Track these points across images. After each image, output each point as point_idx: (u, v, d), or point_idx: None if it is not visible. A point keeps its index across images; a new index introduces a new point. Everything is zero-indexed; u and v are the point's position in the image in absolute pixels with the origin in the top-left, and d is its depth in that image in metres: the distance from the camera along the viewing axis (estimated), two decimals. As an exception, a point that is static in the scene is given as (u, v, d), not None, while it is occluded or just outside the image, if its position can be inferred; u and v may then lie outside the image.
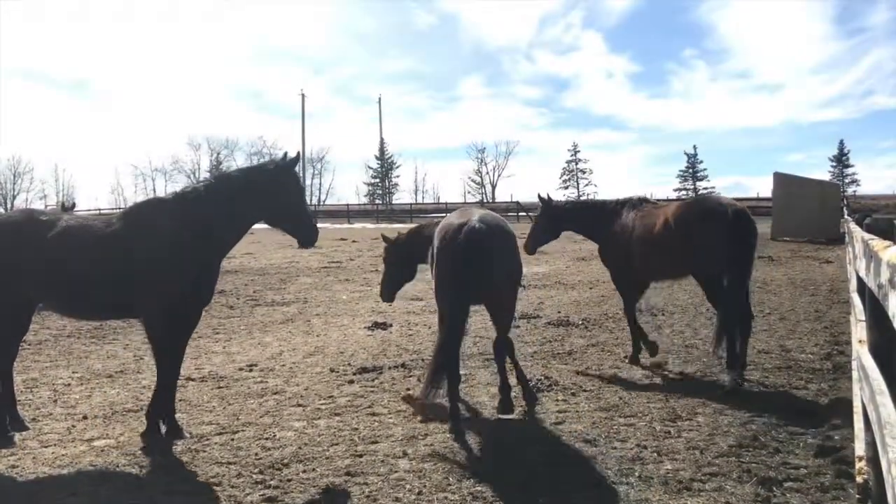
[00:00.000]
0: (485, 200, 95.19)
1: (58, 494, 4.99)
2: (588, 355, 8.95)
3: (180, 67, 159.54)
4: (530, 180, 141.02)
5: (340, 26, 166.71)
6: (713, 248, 7.56)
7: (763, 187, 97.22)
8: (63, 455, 5.79)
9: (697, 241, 7.70)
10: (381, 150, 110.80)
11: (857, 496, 4.02)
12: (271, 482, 5.16)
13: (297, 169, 6.47)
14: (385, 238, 8.37)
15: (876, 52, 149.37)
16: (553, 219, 9.53)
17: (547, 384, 7.53)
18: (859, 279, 5.07)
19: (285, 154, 6.37)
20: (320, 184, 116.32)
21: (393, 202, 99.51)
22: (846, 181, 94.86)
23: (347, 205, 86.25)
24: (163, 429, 6.20)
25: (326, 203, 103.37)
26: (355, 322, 11.94)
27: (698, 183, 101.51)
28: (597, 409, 6.69)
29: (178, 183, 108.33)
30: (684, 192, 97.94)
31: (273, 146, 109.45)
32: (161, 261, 6.02)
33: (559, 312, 12.09)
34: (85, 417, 6.76)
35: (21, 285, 6.15)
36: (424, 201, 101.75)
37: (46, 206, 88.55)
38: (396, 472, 5.28)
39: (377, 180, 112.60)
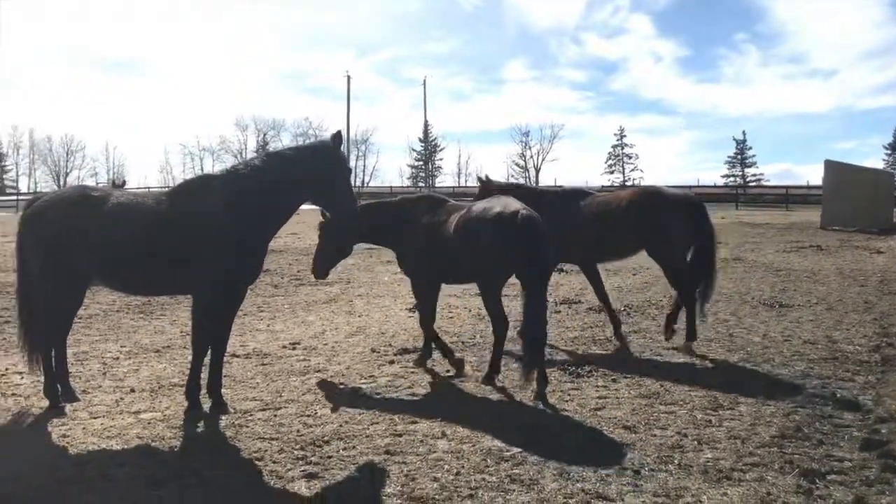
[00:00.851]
0: (528, 184, 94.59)
1: (106, 464, 5.14)
2: (629, 342, 8.89)
3: (228, 48, 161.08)
4: (575, 164, 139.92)
5: (385, 8, 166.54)
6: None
7: (813, 175, 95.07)
8: (111, 426, 5.95)
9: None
10: (425, 132, 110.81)
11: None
12: (312, 458, 5.24)
13: (342, 149, 6.47)
14: (324, 215, 7.84)
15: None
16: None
17: (587, 370, 7.51)
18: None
19: (337, 133, 6.37)
20: (364, 166, 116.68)
21: (436, 185, 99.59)
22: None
23: (391, 187, 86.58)
24: (207, 404, 6.33)
25: (370, 185, 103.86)
26: (397, 303, 12.02)
27: (746, 170, 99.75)
28: (637, 396, 6.66)
29: (226, 162, 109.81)
30: (731, 179, 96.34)
31: (318, 127, 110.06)
32: (210, 238, 6.08)
33: (601, 298, 12.01)
34: (132, 390, 6.93)
35: (74, 261, 6.24)
36: (467, 184, 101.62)
37: (98, 184, 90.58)
38: (435, 452, 5.33)
39: (420, 163, 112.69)
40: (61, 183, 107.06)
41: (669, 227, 8.51)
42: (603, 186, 76.28)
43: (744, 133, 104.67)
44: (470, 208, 7.21)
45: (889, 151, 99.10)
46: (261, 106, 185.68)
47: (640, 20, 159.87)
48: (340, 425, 5.91)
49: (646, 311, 10.97)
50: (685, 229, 8.57)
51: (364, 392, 6.91)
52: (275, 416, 6.18)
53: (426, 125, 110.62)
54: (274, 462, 5.20)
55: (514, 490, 4.69)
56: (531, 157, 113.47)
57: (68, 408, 6.38)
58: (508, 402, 6.58)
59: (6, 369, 7.69)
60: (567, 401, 6.56)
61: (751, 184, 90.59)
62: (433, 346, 7.80)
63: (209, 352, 6.41)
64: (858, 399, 6.48)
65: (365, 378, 7.39)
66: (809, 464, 5.01)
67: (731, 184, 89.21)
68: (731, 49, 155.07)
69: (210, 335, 6.35)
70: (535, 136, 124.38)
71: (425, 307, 7.72)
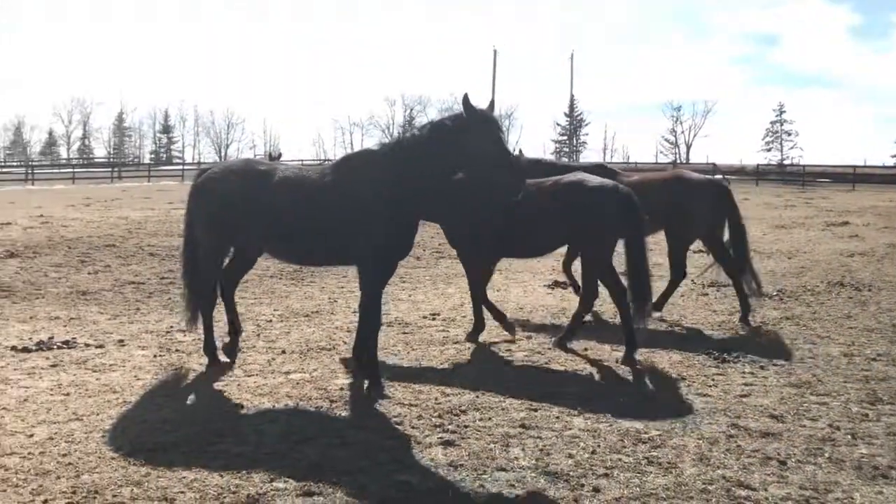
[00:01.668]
0: (678, 161, 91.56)
1: (257, 420, 5.47)
2: (781, 328, 8.48)
3: (378, 24, 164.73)
4: (728, 141, 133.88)
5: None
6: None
7: None
8: (263, 385, 6.31)
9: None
10: (571, 106, 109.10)
11: None
12: (449, 427, 5.36)
13: (496, 118, 6.15)
14: None
15: None
16: None
17: (734, 356, 7.23)
18: None
19: (491, 103, 6.18)
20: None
21: (580, 161, 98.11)
22: None
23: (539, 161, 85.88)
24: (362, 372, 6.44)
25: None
26: (535, 279, 11.99)
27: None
28: (786, 385, 6.35)
29: (373, 137, 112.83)
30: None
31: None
32: (371, 211, 6.09)
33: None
34: (283, 352, 7.31)
35: (238, 230, 6.57)
36: (613, 160, 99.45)
37: (256, 156, 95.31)
38: (571, 429, 5.31)
39: (565, 138, 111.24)
40: (222, 154, 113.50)
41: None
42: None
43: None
44: (565, 180, 7.48)
45: None
46: (408, 82, 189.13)
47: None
48: (477, 396, 6.00)
49: (800, 296, 10.40)
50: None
51: (501, 365, 6.96)
52: (414, 383, 6.35)
53: (572, 99, 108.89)
54: (413, 427, 5.35)
55: (650, 472, 4.61)
56: (682, 132, 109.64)
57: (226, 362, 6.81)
58: (646, 384, 6.44)
59: (170, 327, 8.29)
60: (710, 386, 6.35)
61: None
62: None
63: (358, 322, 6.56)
64: None
65: (503, 352, 7.45)
66: (980, 468, 4.63)
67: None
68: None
69: (380, 305, 6.45)
70: (686, 112, 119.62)
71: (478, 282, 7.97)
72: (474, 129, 5.92)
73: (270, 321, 8.64)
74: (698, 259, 13.11)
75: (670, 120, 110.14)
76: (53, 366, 6.73)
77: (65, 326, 8.28)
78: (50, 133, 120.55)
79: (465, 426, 5.38)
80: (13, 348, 7.24)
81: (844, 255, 14.45)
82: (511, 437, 5.16)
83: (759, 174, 55.17)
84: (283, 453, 4.85)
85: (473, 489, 4.41)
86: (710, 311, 9.37)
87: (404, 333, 8.11)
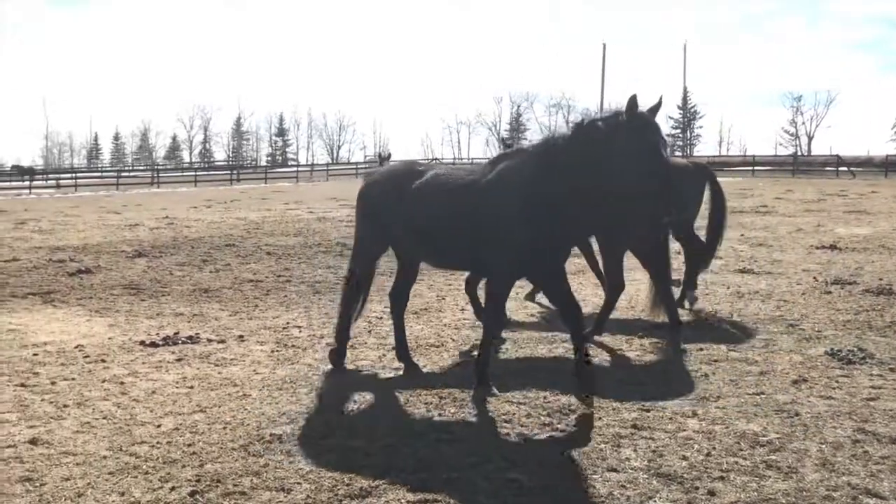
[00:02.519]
0: (799, 153, 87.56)
1: (369, 415, 5.60)
2: (910, 329, 7.98)
3: (486, 21, 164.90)
4: (854, 132, 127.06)
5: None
6: None
7: None
8: (374, 380, 6.46)
9: None
10: (684, 99, 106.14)
11: None
12: (558, 426, 5.32)
13: (655, 123, 5.40)
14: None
15: None
16: None
17: (860, 356, 6.85)
18: None
19: (632, 98, 5.31)
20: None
21: (694, 154, 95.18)
22: None
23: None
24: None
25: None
26: (647, 276, 11.72)
27: None
28: (919, 389, 5.98)
29: (480, 135, 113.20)
30: None
31: (571, 98, 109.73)
32: (515, 217, 5.66)
33: (881, 280, 10.86)
34: (393, 348, 7.43)
35: (394, 233, 6.48)
36: (729, 153, 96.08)
37: (365, 157, 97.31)
38: (685, 430, 5.18)
39: (678, 131, 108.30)
40: (335, 156, 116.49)
41: None
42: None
43: None
44: None
45: None
46: (516, 79, 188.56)
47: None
48: (587, 395, 5.92)
49: (934, 295, 9.76)
50: None
51: (612, 364, 6.86)
52: (523, 382, 6.33)
53: (685, 92, 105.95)
54: (521, 425, 5.34)
55: (769, 476, 4.44)
56: (803, 123, 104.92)
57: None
58: (764, 385, 6.20)
59: (287, 323, 8.59)
60: (834, 388, 6.05)
61: None
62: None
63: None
64: None
65: (614, 351, 7.33)
66: None
67: None
68: None
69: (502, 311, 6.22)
70: (807, 102, 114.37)
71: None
72: (628, 134, 5.25)
73: (380, 318, 8.80)
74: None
75: (790, 111, 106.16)
76: (179, 360, 7.09)
77: (189, 322, 8.71)
78: (174, 138, 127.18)
79: (575, 425, 5.33)
80: (142, 343, 7.67)
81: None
82: (622, 437, 5.08)
83: (888, 165, 52.04)
84: (394, 448, 4.94)
85: (584, 489, 4.36)
86: (834, 309, 8.92)
87: (511, 332, 8.10)
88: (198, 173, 69.15)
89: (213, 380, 6.48)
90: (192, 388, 6.27)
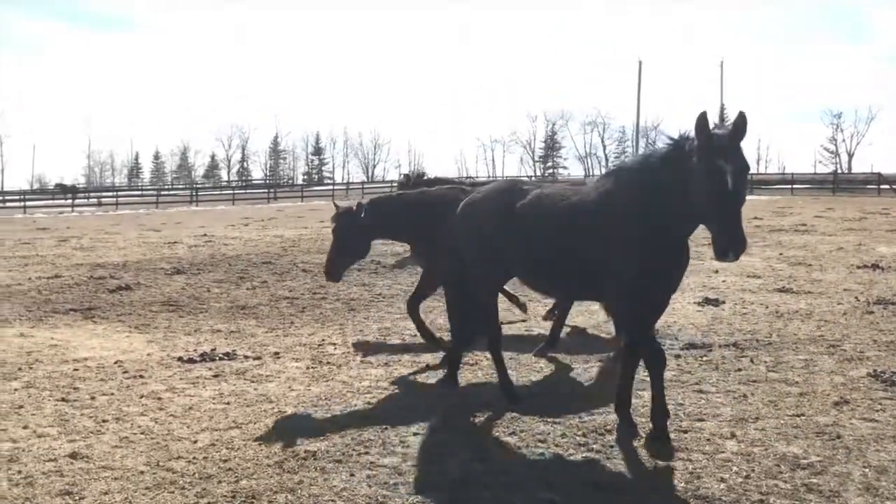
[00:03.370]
0: (839, 171, 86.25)
1: (403, 432, 5.59)
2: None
3: (519, 39, 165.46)
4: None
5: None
6: None
7: None
8: (408, 397, 6.46)
9: None
10: (721, 115, 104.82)
11: None
12: (594, 446, 5.27)
13: (733, 147, 4.67)
14: (338, 205, 8.14)
15: None
16: None
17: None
18: None
19: (741, 115, 4.68)
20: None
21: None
22: None
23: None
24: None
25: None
26: (684, 296, 11.59)
27: None
28: (967, 412, 5.82)
29: (514, 153, 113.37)
30: None
31: (606, 116, 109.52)
32: (621, 238, 5.24)
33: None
34: (428, 366, 7.43)
35: (498, 252, 6.06)
36: (767, 171, 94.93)
37: (400, 175, 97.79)
38: (723, 452, 5.09)
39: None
40: (370, 174, 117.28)
41: None
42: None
43: None
44: None
45: None
46: (551, 97, 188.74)
47: None
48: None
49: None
50: None
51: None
52: (557, 401, 6.29)
53: (722, 109, 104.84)
54: (556, 445, 5.30)
55: (810, 500, 4.34)
56: (843, 141, 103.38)
57: (373, 375, 6.99)
58: (804, 407, 6.07)
59: (322, 340, 8.63)
60: (878, 410, 5.91)
61: None
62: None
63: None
64: None
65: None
66: None
67: None
68: None
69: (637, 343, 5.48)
70: (847, 118, 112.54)
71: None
72: (696, 160, 4.70)
73: (415, 336, 8.80)
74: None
75: (830, 128, 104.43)
76: (215, 376, 7.16)
77: (226, 339, 8.80)
78: (212, 157, 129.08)
79: (611, 446, 5.27)
80: (180, 359, 7.76)
81: None
82: (659, 458, 5.01)
83: (931, 184, 50.99)
84: (427, 467, 4.93)
85: (619, 510, 4.31)
86: (877, 330, 8.74)
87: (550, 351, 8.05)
88: (235, 192, 70.09)
89: (249, 396, 6.53)
90: (228, 404, 6.33)
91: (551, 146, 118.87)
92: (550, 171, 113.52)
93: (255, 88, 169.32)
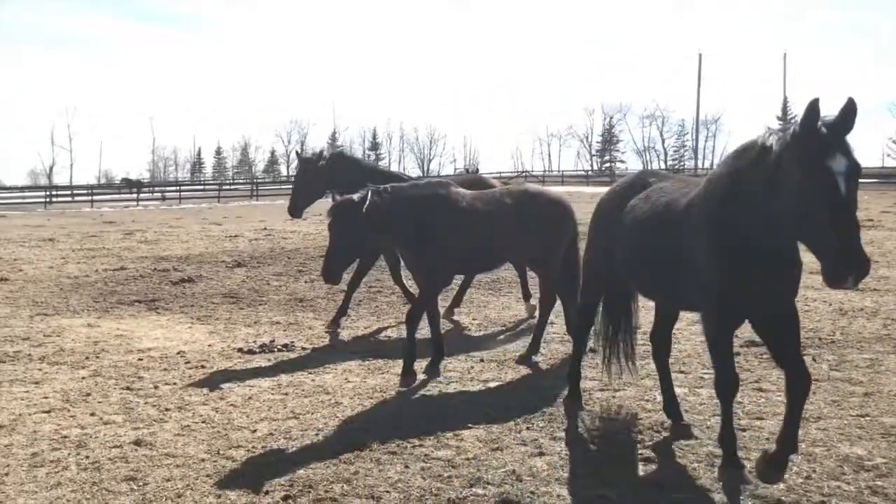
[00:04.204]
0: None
1: (457, 425, 5.60)
2: None
3: (576, 32, 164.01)
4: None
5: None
6: None
7: None
8: (462, 392, 6.49)
9: None
10: (784, 110, 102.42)
11: None
12: (649, 443, 5.22)
13: (843, 146, 3.79)
14: (342, 200, 6.73)
15: None
16: None
17: (976, 379, 6.46)
18: None
19: (851, 102, 3.85)
20: (714, 147, 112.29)
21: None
22: None
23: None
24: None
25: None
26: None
27: None
28: None
29: (571, 147, 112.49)
30: None
31: (665, 109, 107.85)
32: (711, 253, 4.44)
33: None
34: (482, 360, 7.44)
35: (611, 251, 5.51)
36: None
37: (455, 170, 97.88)
38: (782, 451, 4.98)
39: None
40: (425, 169, 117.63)
41: None
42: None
43: None
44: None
45: None
46: (608, 90, 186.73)
47: None
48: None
49: None
50: None
51: (706, 381, 6.67)
52: (613, 397, 6.24)
53: (785, 102, 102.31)
54: (612, 442, 5.26)
55: (874, 503, 4.23)
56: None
57: (446, 374, 7.02)
58: (868, 407, 5.91)
59: (378, 333, 8.74)
60: (947, 412, 5.72)
61: None
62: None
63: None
64: None
65: (706, 367, 7.12)
66: None
67: None
68: None
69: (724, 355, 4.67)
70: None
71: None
72: (797, 158, 3.79)
73: (468, 330, 8.83)
74: None
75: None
76: (274, 367, 7.30)
77: (284, 331, 8.96)
78: (272, 152, 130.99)
79: (668, 443, 5.21)
80: (240, 350, 7.94)
81: None
82: (716, 457, 4.92)
83: None
84: (481, 460, 4.94)
85: (675, 508, 4.26)
86: (948, 329, 8.44)
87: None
88: (294, 186, 70.71)
89: (306, 387, 6.64)
90: (286, 394, 6.44)
91: (609, 140, 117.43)
92: (608, 164, 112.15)
93: (314, 84, 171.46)
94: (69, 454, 5.11)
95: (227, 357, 7.73)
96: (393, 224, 6.72)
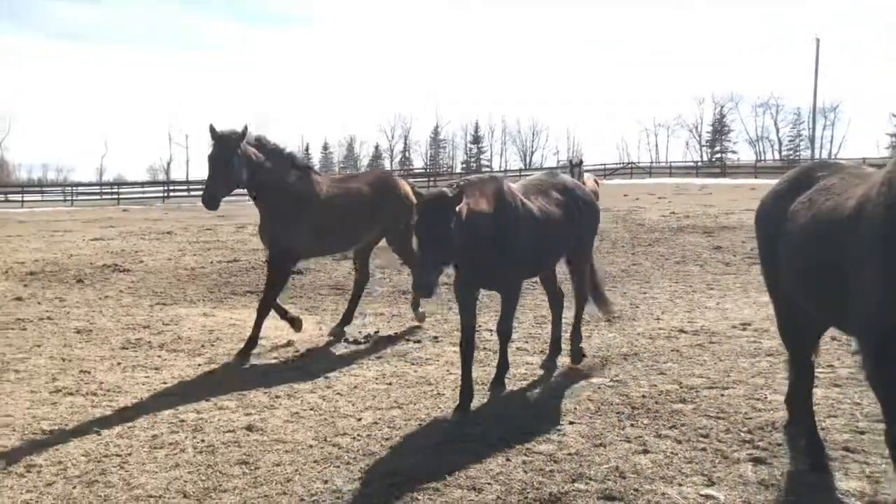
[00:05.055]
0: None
1: (559, 420, 5.59)
2: None
3: (683, 19, 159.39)
4: None
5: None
6: None
7: None
8: (565, 387, 6.45)
9: None
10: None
11: None
12: (759, 443, 5.05)
13: None
14: (437, 192, 5.53)
15: None
16: None
17: None
18: None
19: None
20: (832, 136, 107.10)
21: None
22: None
23: (864, 158, 77.54)
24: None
25: (838, 157, 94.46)
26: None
27: None
28: None
29: (679, 138, 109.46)
30: None
31: (780, 98, 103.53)
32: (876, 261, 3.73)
33: None
34: (584, 356, 7.35)
35: (776, 249, 4.77)
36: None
37: (558, 162, 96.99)
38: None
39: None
40: (527, 162, 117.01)
41: None
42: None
43: None
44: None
45: None
46: (718, 78, 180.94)
47: None
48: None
49: None
50: None
51: (822, 381, 6.40)
52: (722, 395, 6.07)
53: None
54: (719, 441, 5.12)
55: None
56: None
57: (528, 362, 7.01)
58: None
59: (479, 326, 8.72)
60: None
61: None
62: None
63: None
64: None
65: (823, 367, 6.83)
66: None
67: None
68: None
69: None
70: None
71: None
72: None
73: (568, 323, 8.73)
74: None
75: None
76: (378, 357, 7.46)
77: (388, 322, 9.13)
78: (376, 147, 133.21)
79: (778, 444, 5.03)
80: (346, 340, 8.15)
81: None
82: (831, 460, 4.73)
83: None
84: (583, 456, 4.90)
85: (786, 512, 4.11)
86: None
87: (711, 343, 7.77)
88: (398, 180, 71.65)
89: (409, 378, 6.75)
90: (390, 384, 6.57)
91: (719, 129, 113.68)
92: (718, 155, 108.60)
93: (417, 79, 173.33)
94: (186, 437, 5.37)
95: (333, 347, 7.95)
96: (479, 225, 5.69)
